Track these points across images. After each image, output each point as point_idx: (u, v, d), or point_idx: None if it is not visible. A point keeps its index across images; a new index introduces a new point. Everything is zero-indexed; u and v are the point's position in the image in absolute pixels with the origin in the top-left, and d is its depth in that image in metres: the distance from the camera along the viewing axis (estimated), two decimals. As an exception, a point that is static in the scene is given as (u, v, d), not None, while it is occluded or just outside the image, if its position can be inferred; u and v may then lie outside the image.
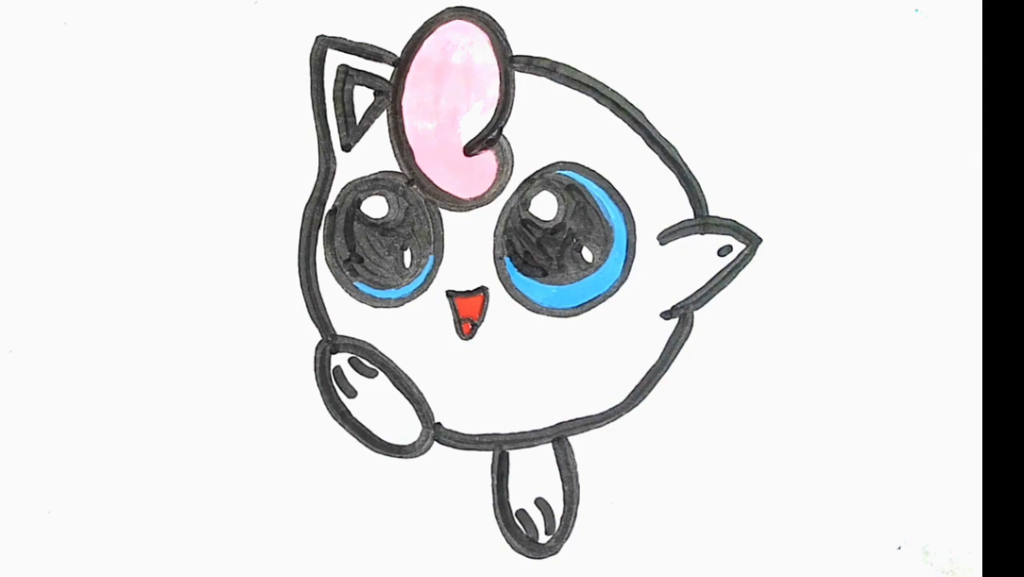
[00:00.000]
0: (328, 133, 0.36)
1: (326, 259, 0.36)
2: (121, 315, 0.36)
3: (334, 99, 0.36)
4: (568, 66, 0.35)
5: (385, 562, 0.36)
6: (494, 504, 0.36)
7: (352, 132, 0.36)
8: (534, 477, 0.36)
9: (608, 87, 0.35)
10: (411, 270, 0.36)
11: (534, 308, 0.36)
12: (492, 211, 0.36)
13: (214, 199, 0.36)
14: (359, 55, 0.36)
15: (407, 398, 0.36)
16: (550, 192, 0.36)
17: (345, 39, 0.36)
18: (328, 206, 0.36)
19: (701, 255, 0.35)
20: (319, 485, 0.36)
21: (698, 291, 0.36)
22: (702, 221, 0.35)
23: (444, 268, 0.36)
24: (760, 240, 0.35)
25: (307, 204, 0.36)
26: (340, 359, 0.36)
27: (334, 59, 0.36)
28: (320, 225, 0.36)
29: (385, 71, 0.36)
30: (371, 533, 0.36)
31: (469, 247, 0.36)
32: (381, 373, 0.36)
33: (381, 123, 0.36)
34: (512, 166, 0.36)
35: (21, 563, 0.36)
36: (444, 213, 0.36)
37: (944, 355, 0.35)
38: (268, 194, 0.36)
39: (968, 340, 0.34)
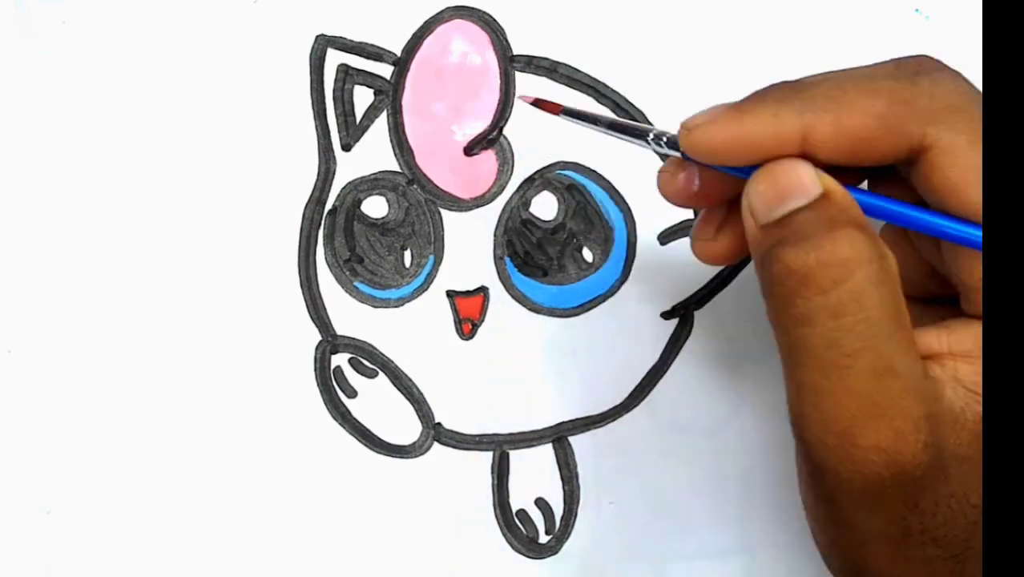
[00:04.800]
0: (328, 133, 0.36)
1: (326, 259, 0.36)
2: (120, 315, 0.36)
3: (334, 99, 0.36)
4: (569, 66, 0.35)
5: (385, 562, 0.36)
6: (494, 504, 0.36)
7: (352, 132, 0.36)
8: (534, 477, 0.36)
9: (609, 87, 0.35)
10: (411, 270, 0.36)
11: (534, 308, 0.36)
12: (492, 211, 0.36)
13: (213, 199, 0.36)
14: (359, 55, 0.36)
15: (407, 398, 0.36)
16: (550, 192, 0.36)
17: (345, 39, 0.36)
18: (328, 206, 0.36)
19: (702, 255, 0.35)
20: (319, 485, 0.36)
21: (698, 291, 0.36)
22: (702, 221, 0.35)
23: (444, 268, 0.36)
24: (760, 240, 0.35)
25: (307, 204, 0.36)
26: (340, 359, 0.36)
27: (334, 58, 0.36)
28: (320, 225, 0.36)
29: (385, 71, 0.36)
30: (371, 533, 0.36)
31: (469, 247, 0.36)
32: (381, 373, 0.36)
33: (381, 123, 0.36)
34: (512, 166, 0.36)
35: (20, 563, 0.36)
36: (444, 213, 0.36)
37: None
38: (268, 194, 0.36)
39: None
